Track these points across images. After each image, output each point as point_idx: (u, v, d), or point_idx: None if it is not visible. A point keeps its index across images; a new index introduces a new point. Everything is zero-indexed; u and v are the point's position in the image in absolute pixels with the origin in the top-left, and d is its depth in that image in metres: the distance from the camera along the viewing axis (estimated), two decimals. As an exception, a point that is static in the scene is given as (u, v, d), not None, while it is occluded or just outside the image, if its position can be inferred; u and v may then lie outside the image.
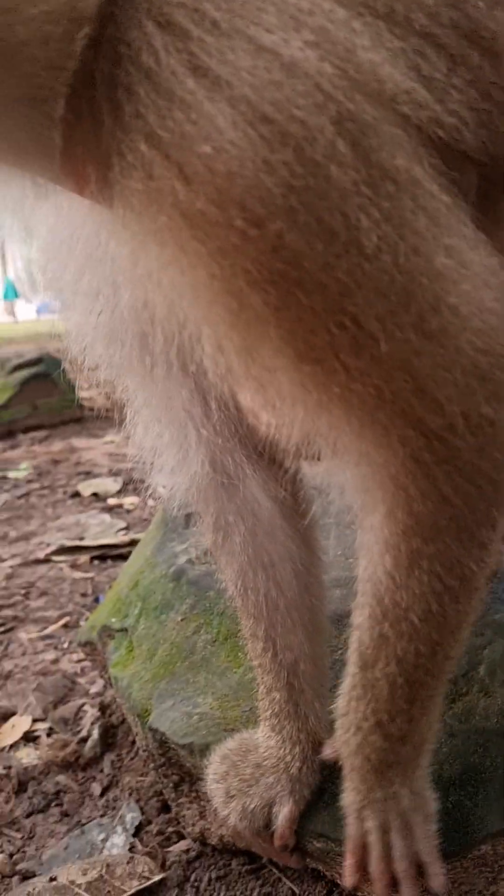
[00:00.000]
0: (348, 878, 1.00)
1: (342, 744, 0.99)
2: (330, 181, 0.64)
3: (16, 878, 1.35)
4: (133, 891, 1.25)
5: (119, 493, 3.73)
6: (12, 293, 29.05)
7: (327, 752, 1.10)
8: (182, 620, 1.44)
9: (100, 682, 1.91)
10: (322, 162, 0.64)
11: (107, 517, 3.31)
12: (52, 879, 1.27)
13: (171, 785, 1.32)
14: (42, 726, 1.79)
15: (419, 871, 0.98)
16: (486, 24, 0.83)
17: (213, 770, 1.16)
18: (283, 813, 1.09)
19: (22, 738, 1.75)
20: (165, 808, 1.43)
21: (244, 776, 1.13)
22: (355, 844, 1.00)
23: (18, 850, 1.43)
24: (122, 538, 3.01)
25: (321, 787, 1.12)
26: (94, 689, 1.91)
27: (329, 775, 1.13)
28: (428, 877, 0.97)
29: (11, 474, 4.30)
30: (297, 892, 1.20)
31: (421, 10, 0.78)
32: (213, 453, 0.99)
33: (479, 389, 0.73)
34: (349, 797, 1.01)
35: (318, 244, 0.65)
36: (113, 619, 1.59)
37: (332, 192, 0.64)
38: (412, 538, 0.81)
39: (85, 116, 0.67)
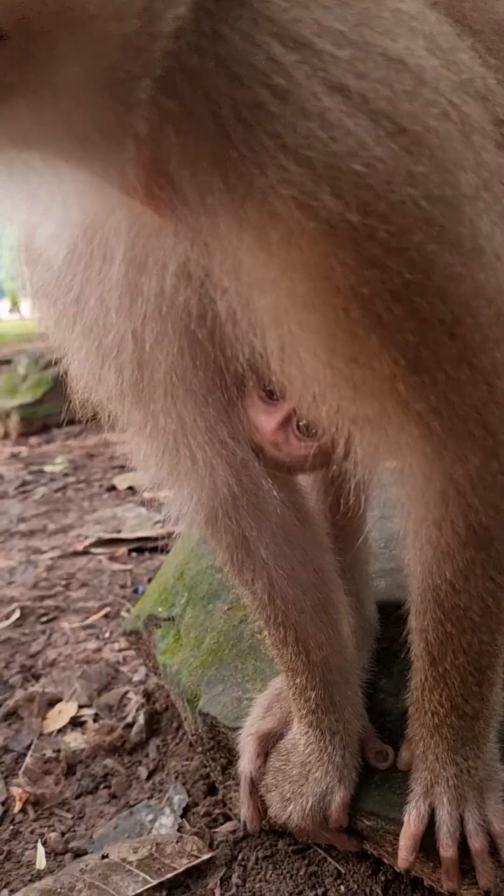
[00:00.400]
0: (405, 856, 1.04)
1: (418, 727, 1.06)
2: (459, 188, 0.67)
3: (68, 856, 1.41)
4: (183, 868, 1.30)
5: (154, 486, 3.77)
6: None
7: (403, 757, 1.13)
8: (229, 609, 1.48)
9: (142, 671, 1.96)
10: (453, 169, 0.66)
11: (143, 510, 3.37)
12: (104, 857, 1.32)
13: (218, 768, 1.37)
14: (88, 712, 1.84)
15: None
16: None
17: (264, 781, 1.20)
18: (336, 801, 1.13)
19: (69, 723, 1.81)
20: (211, 790, 1.48)
21: (293, 778, 1.16)
22: (417, 820, 1.04)
23: (69, 830, 1.48)
24: (158, 531, 3.06)
25: (372, 767, 1.16)
26: (136, 678, 1.96)
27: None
28: (500, 848, 1.02)
29: (48, 468, 4.37)
30: (342, 871, 1.24)
31: (472, 8, 0.82)
32: (238, 472, 0.99)
33: None
34: (420, 777, 1.06)
35: (448, 254, 0.67)
36: (159, 609, 1.64)
37: (461, 199, 0.67)
38: (468, 548, 0.89)
39: (183, 116, 0.63)
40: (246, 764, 1.22)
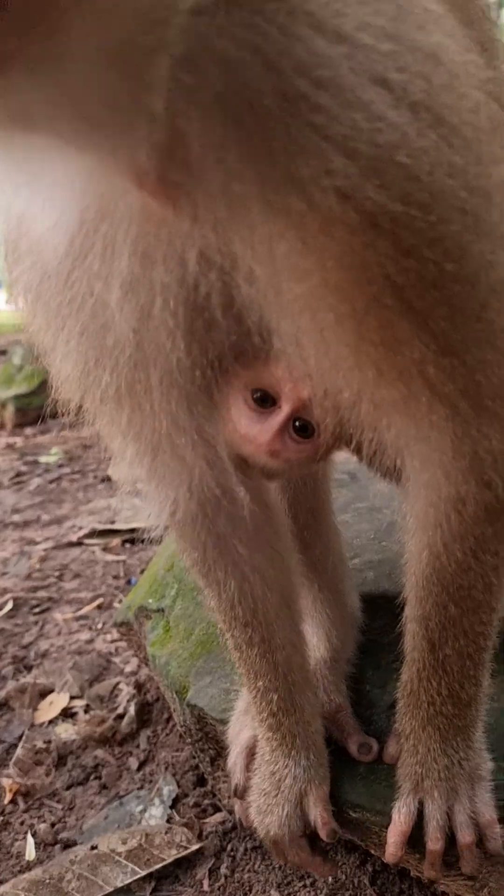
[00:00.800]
0: (394, 852, 1.03)
1: (408, 721, 1.05)
2: (491, 179, 0.69)
3: (58, 847, 1.41)
4: (171, 859, 1.31)
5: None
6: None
7: (390, 752, 1.12)
8: (218, 601, 1.48)
9: (134, 662, 1.96)
10: (486, 160, 0.68)
11: (137, 501, 3.36)
12: (93, 848, 1.32)
13: (207, 759, 1.37)
14: (79, 703, 1.85)
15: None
16: (489, 37, 0.92)
17: (246, 797, 1.18)
18: (312, 801, 1.11)
19: (60, 714, 1.81)
20: (201, 781, 1.48)
21: (265, 790, 1.14)
22: (407, 816, 1.03)
23: (59, 821, 1.49)
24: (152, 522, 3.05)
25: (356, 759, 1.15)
26: (128, 669, 1.96)
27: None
28: (487, 839, 1.02)
29: (43, 459, 4.36)
30: (330, 862, 1.24)
31: (467, 20, 0.83)
32: (219, 473, 0.96)
33: None
34: (409, 771, 1.05)
35: (482, 243, 0.69)
36: (150, 600, 1.63)
37: (493, 189, 0.69)
38: (480, 523, 0.89)
39: (211, 100, 0.61)
40: (237, 775, 1.22)
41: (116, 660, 2.03)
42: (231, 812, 1.37)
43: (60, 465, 4.22)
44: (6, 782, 1.57)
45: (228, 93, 0.61)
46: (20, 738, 1.73)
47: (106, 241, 0.74)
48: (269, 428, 0.90)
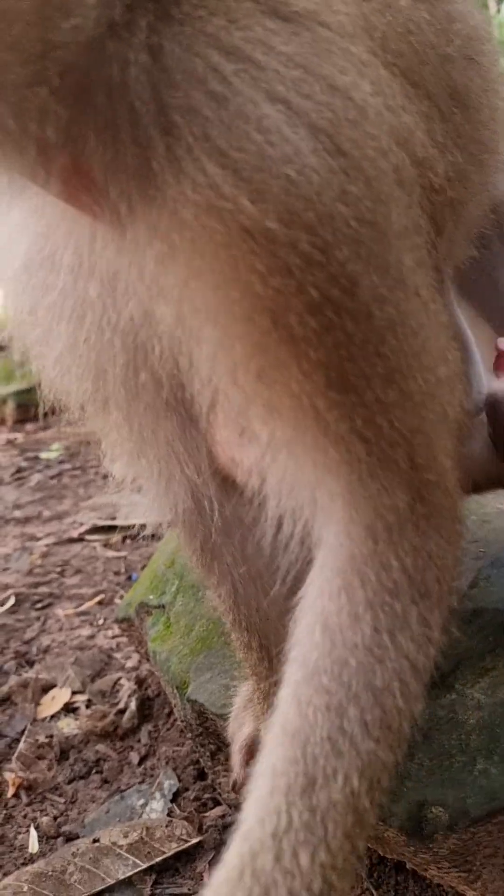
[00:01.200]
0: None
1: None
2: (390, 220, 0.68)
3: (60, 840, 1.43)
4: (172, 852, 1.32)
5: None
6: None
7: None
8: (218, 598, 1.50)
9: (135, 657, 1.98)
10: (386, 201, 0.68)
11: (138, 497, 3.37)
12: (95, 841, 1.34)
13: (207, 754, 1.39)
14: (81, 698, 1.86)
15: None
16: (462, 81, 0.92)
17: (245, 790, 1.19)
18: None
19: (62, 709, 1.83)
20: (201, 775, 1.50)
21: None
22: None
23: (62, 814, 1.51)
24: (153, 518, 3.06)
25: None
26: (129, 664, 1.98)
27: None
28: None
29: (43, 455, 4.37)
30: (328, 855, 1.26)
31: (430, 72, 0.85)
32: (195, 484, 0.95)
33: (453, 440, 0.79)
34: None
35: (374, 277, 0.67)
36: (150, 596, 1.65)
37: (390, 230, 0.69)
38: (398, 594, 0.75)
39: (101, 122, 0.63)
40: (236, 770, 1.23)
41: (118, 655, 2.04)
42: (231, 806, 1.39)
43: (61, 461, 4.23)
44: (9, 776, 1.59)
45: (120, 115, 0.62)
46: (22, 732, 1.74)
47: (51, 256, 0.79)
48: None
